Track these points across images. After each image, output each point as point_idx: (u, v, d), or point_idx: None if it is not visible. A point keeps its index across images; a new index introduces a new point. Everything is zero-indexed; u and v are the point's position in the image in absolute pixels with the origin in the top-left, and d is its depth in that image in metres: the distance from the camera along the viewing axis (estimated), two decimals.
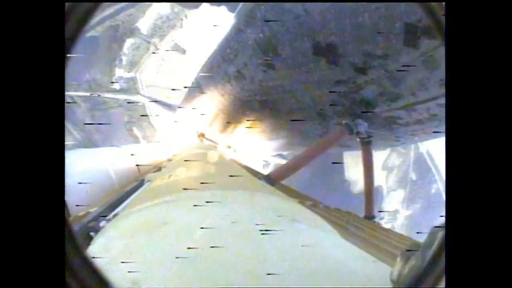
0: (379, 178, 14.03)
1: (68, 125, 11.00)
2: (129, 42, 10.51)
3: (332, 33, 3.46)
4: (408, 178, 15.01)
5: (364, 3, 3.05)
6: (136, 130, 11.13)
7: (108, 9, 10.03)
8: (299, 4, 3.56)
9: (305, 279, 0.77)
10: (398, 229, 15.14)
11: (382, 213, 14.39)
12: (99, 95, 10.52)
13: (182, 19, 10.54)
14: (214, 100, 6.98)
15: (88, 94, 10.41)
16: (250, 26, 4.41)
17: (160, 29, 10.62)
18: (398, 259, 0.67)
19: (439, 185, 14.85)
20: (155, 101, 11.85)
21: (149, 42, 10.68)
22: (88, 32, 9.94)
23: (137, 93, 10.77)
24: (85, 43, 9.86)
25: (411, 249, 0.66)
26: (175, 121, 10.83)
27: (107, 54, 10.56)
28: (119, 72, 10.86)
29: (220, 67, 5.82)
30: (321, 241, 1.14)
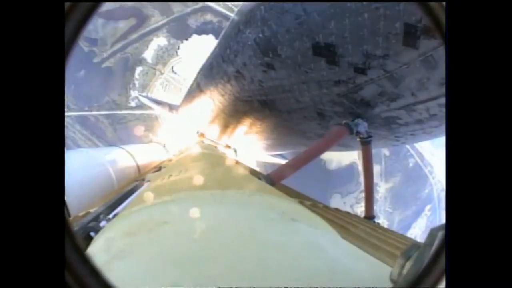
0: (352, 155, 14.47)
1: (93, 138, 13.89)
2: (138, 69, 13.71)
3: (332, 33, 3.46)
4: (381, 154, 15.45)
5: (364, 3, 3.05)
6: (152, 136, 13.50)
7: (117, 44, 13.09)
8: (299, 4, 3.56)
9: (305, 279, 0.77)
10: (381, 201, 15.70)
11: (362, 186, 14.81)
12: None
13: (177, 49, 13.67)
14: (214, 100, 6.98)
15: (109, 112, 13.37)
16: (250, 26, 4.41)
17: (162, 58, 13.75)
18: (398, 259, 0.67)
19: (417, 159, 15.38)
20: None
21: (154, 69, 13.77)
22: (103, 63, 13.18)
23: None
24: (103, 72, 13.22)
25: (411, 249, 0.66)
26: (175, 122, 11.25)
27: (122, 80, 13.63)
28: (133, 93, 13.90)
29: (220, 67, 5.81)
30: (321, 241, 1.14)
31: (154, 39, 13.50)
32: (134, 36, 13.42)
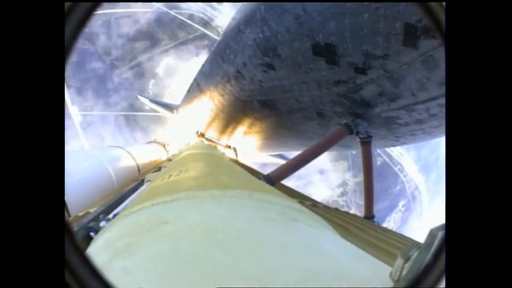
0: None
1: (114, 134, 17.39)
2: (151, 82, 17.55)
3: (332, 33, 3.46)
4: (348, 152, 16.72)
5: (364, 3, 3.05)
6: (158, 135, 16.04)
7: (134, 60, 17.30)
8: (299, 4, 3.56)
9: (305, 279, 0.77)
10: (350, 194, 17.41)
11: (331, 178, 17.06)
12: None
13: (180, 68, 17.38)
14: (214, 100, 6.98)
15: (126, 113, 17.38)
16: (250, 26, 4.41)
17: (171, 74, 17.56)
18: (398, 259, 0.67)
19: (385, 158, 17.13)
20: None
21: (164, 81, 17.65)
22: (123, 75, 17.19)
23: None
24: (124, 82, 17.23)
25: (411, 249, 0.66)
26: (175, 121, 11.31)
27: (138, 89, 17.22)
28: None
29: (220, 67, 5.81)
30: (321, 241, 1.14)
31: (164, 58, 17.60)
32: (148, 55, 17.46)
